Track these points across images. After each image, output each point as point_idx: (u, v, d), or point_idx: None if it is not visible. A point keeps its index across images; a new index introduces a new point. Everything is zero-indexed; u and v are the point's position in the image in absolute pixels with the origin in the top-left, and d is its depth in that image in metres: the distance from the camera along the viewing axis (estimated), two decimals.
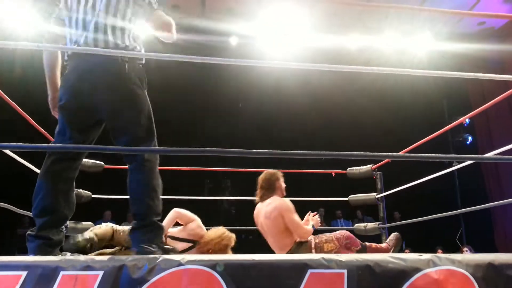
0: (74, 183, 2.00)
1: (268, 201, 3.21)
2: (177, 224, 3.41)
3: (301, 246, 3.12)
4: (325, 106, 8.46)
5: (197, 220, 3.28)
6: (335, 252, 3.01)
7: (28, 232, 1.90)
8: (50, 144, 2.85)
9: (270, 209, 3.13)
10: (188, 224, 3.26)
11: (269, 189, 3.25)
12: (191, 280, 1.56)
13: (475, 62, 7.63)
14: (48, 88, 2.09)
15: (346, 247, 3.12)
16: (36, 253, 1.82)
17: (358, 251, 3.10)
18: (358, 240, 3.23)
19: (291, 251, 3.11)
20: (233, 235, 3.12)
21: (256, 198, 3.37)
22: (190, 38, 7.45)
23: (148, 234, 1.93)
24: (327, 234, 3.21)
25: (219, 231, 3.14)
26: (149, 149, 2.10)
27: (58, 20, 2.00)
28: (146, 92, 2.01)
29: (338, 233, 3.21)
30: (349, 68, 2.39)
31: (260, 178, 3.34)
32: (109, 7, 1.88)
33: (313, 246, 3.07)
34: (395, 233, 3.45)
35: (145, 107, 2.00)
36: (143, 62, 2.02)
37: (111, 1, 1.89)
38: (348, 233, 3.24)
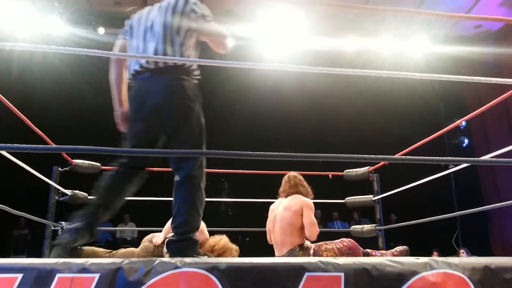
0: None
1: (292, 196, 3.35)
2: None
3: (301, 249, 3.12)
4: (322, 109, 8.48)
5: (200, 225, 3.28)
6: None
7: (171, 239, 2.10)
8: (46, 146, 2.84)
9: (294, 202, 3.27)
10: None
11: (295, 188, 3.41)
12: (188, 283, 1.55)
13: (472, 65, 7.67)
14: (114, 103, 2.21)
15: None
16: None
17: None
18: (361, 249, 3.23)
19: (291, 251, 3.11)
20: (236, 247, 3.14)
21: (279, 195, 3.52)
22: None
23: (184, 247, 2.04)
24: (329, 242, 3.22)
25: (222, 241, 3.14)
26: (146, 150, 2.09)
27: (124, 40, 2.19)
28: (199, 106, 2.10)
29: (340, 242, 3.20)
30: (346, 71, 2.39)
31: (288, 177, 3.51)
32: (166, 29, 2.03)
33: (311, 253, 3.08)
34: (405, 246, 3.47)
35: (200, 123, 2.10)
36: (199, 76, 2.13)
37: (167, 23, 2.03)
38: (352, 242, 3.25)
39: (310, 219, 3.18)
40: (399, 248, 3.46)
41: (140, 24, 2.10)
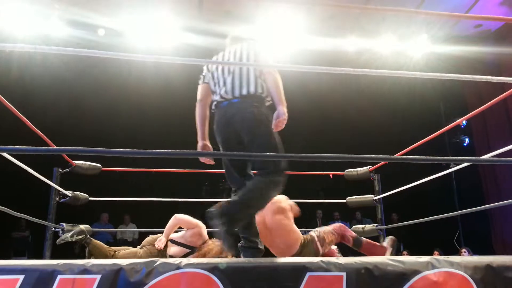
0: None
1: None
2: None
3: (307, 244, 3.04)
4: (322, 109, 8.47)
5: (199, 227, 3.27)
6: (335, 243, 3.00)
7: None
8: (46, 147, 2.84)
9: (278, 205, 3.11)
10: (187, 230, 3.27)
11: None
12: (189, 283, 1.55)
13: (472, 64, 7.66)
14: (199, 136, 2.53)
15: (343, 236, 3.10)
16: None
17: (354, 243, 3.06)
18: (349, 232, 3.20)
19: (302, 246, 3.02)
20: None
21: None
22: (187, 40, 7.46)
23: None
24: (323, 228, 3.19)
25: (214, 250, 3.14)
26: (142, 151, 2.09)
27: (204, 82, 2.55)
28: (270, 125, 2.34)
29: (332, 226, 3.18)
30: (346, 70, 2.39)
31: None
32: (241, 68, 2.42)
33: (316, 239, 3.00)
34: (392, 237, 3.44)
35: (273, 141, 2.34)
36: (271, 101, 2.43)
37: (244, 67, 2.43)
38: (339, 224, 3.24)
39: (289, 202, 3.13)
40: (387, 240, 3.43)
41: (218, 68, 2.47)
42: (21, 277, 1.50)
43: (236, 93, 2.35)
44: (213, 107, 2.47)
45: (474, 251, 6.62)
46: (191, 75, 8.24)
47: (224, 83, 2.39)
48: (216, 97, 2.42)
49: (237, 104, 2.34)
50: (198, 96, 2.54)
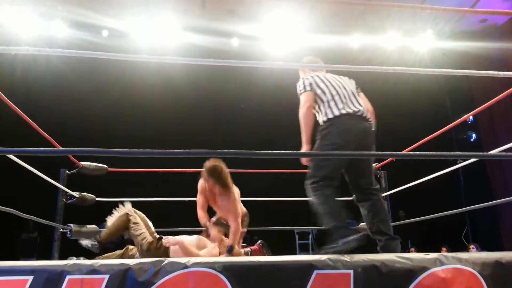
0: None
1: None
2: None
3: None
4: None
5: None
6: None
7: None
8: (53, 149, 2.86)
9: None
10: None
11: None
12: (196, 282, 1.56)
13: (478, 59, 7.60)
14: (307, 140, 2.65)
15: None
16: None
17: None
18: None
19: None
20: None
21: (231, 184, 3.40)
22: (190, 40, 7.47)
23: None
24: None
25: None
26: (148, 151, 2.09)
27: (311, 90, 2.75)
28: None
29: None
30: (349, 67, 2.38)
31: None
32: (353, 90, 2.84)
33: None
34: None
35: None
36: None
37: (352, 87, 2.86)
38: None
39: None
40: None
41: (330, 84, 2.76)
42: (30, 278, 1.51)
43: (366, 113, 2.73)
44: (336, 113, 2.64)
45: (483, 248, 6.58)
46: (194, 75, 8.32)
47: (353, 100, 2.74)
48: (345, 109, 2.65)
49: (370, 122, 2.75)
50: (309, 103, 2.70)
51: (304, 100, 2.71)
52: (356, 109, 2.68)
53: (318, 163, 2.56)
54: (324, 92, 2.71)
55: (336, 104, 2.68)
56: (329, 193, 2.45)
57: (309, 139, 2.66)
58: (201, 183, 3.36)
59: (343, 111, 2.63)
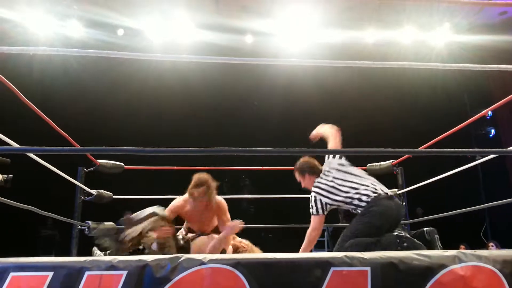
0: None
1: None
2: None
3: None
4: (340, 102, 8.37)
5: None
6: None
7: None
8: (71, 147, 2.91)
9: None
10: None
11: None
12: (213, 278, 1.56)
13: (497, 53, 7.44)
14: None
15: None
16: None
17: None
18: None
19: None
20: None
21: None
22: (204, 37, 7.50)
23: None
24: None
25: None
26: (163, 149, 2.11)
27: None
28: None
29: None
30: (363, 63, 2.36)
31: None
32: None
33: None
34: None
35: None
36: None
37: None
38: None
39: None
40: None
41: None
42: (50, 274, 1.54)
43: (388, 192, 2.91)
44: (360, 203, 2.79)
45: (502, 245, 6.46)
46: (208, 73, 8.34)
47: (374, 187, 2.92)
48: (367, 197, 2.80)
49: (393, 200, 2.89)
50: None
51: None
52: None
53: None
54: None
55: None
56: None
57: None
58: (177, 206, 3.25)
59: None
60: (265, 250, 3.19)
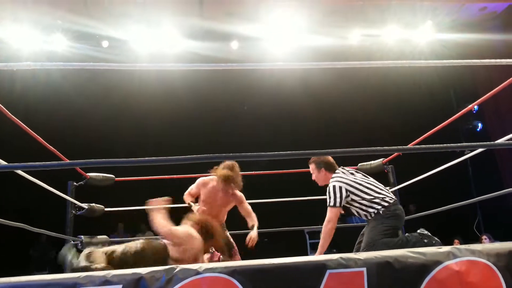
0: None
1: None
2: None
3: None
4: (327, 104, 8.41)
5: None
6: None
7: None
8: (60, 162, 2.87)
9: None
10: None
11: None
12: None
13: (479, 49, 7.55)
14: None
15: None
16: None
17: None
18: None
19: None
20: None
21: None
22: (189, 46, 7.49)
23: None
24: None
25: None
26: (154, 159, 2.10)
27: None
28: None
29: None
30: (348, 64, 2.37)
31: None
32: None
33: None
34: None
35: None
36: None
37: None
38: None
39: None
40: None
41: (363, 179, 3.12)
42: None
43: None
44: (382, 206, 2.95)
45: (495, 238, 6.53)
46: (194, 80, 8.32)
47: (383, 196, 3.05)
48: (390, 199, 3.00)
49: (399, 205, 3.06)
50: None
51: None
52: None
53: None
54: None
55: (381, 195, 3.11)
56: None
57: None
58: (204, 181, 3.47)
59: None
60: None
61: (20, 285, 1.54)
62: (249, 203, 3.70)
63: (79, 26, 7.05)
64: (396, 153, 4.12)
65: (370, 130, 8.26)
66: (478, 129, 9.14)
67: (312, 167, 3.23)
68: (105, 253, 2.47)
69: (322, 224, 3.02)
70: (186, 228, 2.73)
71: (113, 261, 2.42)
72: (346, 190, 2.94)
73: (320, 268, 1.61)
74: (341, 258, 1.64)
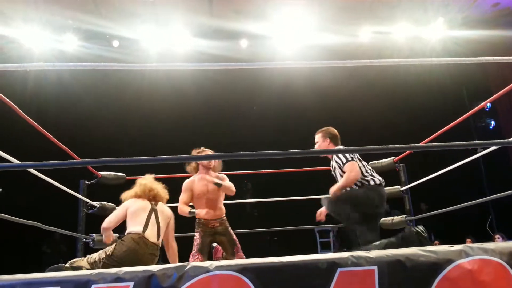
0: None
1: None
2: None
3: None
4: (338, 102, 8.37)
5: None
6: None
7: None
8: (72, 161, 2.90)
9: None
10: None
11: None
12: (220, 285, 1.56)
13: (492, 46, 7.45)
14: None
15: None
16: None
17: None
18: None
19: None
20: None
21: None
22: (199, 43, 7.52)
23: None
24: None
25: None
26: (163, 157, 2.11)
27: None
28: None
29: None
30: (358, 62, 2.36)
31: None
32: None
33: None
34: None
35: None
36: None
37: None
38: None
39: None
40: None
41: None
42: None
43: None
44: (371, 183, 3.09)
45: (509, 237, 6.44)
46: (203, 80, 8.33)
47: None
48: (377, 180, 3.13)
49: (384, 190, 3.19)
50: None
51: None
52: None
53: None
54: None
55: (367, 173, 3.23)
56: None
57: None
58: (189, 182, 3.57)
59: None
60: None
61: (35, 282, 1.56)
62: (261, 202, 3.73)
63: (90, 25, 7.11)
64: (407, 152, 4.09)
65: (380, 129, 8.20)
66: (491, 127, 9.03)
67: (318, 136, 3.39)
68: (87, 260, 2.89)
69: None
70: None
71: (95, 267, 2.80)
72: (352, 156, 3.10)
73: (330, 266, 1.60)
74: (351, 256, 1.64)
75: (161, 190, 3.27)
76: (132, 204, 3.12)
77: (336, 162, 3.13)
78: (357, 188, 3.07)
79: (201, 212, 3.36)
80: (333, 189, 3.08)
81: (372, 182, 3.07)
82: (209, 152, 3.49)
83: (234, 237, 3.53)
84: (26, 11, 6.70)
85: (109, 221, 3.09)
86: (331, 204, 3.04)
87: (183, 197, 3.53)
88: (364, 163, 3.20)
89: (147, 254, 2.90)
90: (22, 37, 6.97)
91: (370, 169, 3.20)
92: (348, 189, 3.06)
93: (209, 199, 3.49)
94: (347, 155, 3.06)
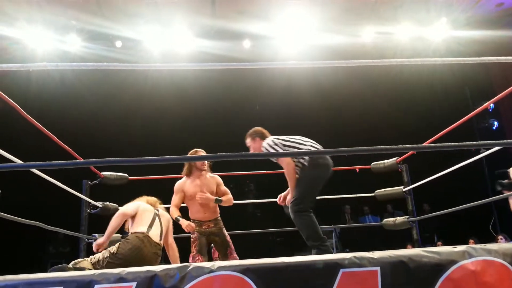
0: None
1: None
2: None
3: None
4: (340, 103, 8.36)
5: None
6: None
7: None
8: (74, 161, 2.91)
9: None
10: None
11: None
12: (223, 286, 1.56)
13: (496, 46, 7.42)
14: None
15: None
16: None
17: None
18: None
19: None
20: None
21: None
22: (202, 43, 7.52)
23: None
24: None
25: None
26: (164, 158, 2.11)
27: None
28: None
29: None
30: (360, 62, 2.35)
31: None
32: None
33: None
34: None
35: None
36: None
37: None
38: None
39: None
40: None
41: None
42: None
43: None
44: (306, 164, 2.95)
45: None
46: (205, 81, 8.32)
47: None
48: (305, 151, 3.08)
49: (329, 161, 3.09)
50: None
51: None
52: None
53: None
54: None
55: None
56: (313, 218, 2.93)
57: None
58: (180, 183, 3.57)
59: None
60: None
61: (38, 282, 1.57)
62: (263, 203, 3.73)
63: (93, 26, 7.13)
64: (410, 152, 4.08)
65: (382, 130, 8.18)
66: (494, 127, 9.00)
67: (248, 141, 3.38)
68: (90, 261, 2.92)
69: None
70: None
71: (98, 266, 2.84)
72: (277, 143, 3.08)
73: (333, 267, 1.60)
74: (354, 257, 1.63)
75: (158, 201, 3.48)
76: (142, 204, 3.29)
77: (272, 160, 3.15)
78: (301, 174, 3.00)
79: (184, 223, 3.37)
80: (289, 197, 3.08)
81: (306, 164, 2.95)
82: (202, 153, 3.48)
83: (228, 238, 3.52)
84: (30, 12, 6.73)
85: (126, 208, 3.22)
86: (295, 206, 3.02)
87: (174, 199, 3.53)
88: (287, 142, 3.13)
89: (151, 253, 2.93)
90: (26, 37, 6.99)
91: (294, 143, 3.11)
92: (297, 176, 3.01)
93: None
94: (274, 147, 3.05)
